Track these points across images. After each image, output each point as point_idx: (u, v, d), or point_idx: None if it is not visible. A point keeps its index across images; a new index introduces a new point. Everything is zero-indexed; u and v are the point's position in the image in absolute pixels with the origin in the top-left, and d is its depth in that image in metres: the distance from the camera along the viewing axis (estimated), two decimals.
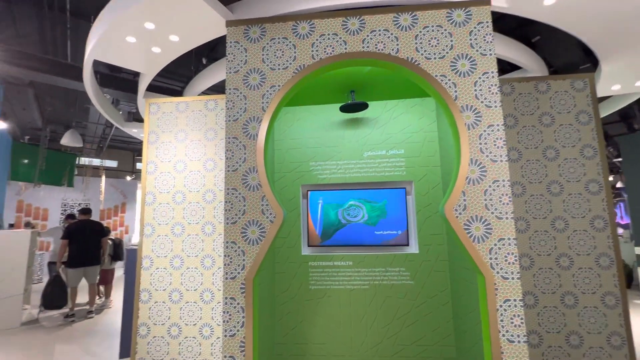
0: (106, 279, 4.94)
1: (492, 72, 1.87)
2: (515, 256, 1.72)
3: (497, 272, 1.71)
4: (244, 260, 1.85)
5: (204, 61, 3.95)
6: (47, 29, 3.68)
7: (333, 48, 1.96)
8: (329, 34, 1.98)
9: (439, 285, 2.56)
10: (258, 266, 1.83)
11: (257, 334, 1.86)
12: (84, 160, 8.81)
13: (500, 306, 1.68)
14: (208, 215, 3.07)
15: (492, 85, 1.85)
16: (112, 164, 9.87)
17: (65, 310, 4.52)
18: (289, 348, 2.59)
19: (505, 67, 4.18)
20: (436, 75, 1.88)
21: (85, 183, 8.31)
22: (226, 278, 1.85)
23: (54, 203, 8.21)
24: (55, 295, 4.41)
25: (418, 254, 2.61)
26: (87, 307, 4.56)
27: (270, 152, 2.25)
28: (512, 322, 1.67)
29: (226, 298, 1.83)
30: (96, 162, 9.01)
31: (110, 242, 4.92)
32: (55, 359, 3.20)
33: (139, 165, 10.34)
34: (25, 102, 5.44)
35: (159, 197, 3.17)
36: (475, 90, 1.85)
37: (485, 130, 1.82)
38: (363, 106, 2.58)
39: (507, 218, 1.75)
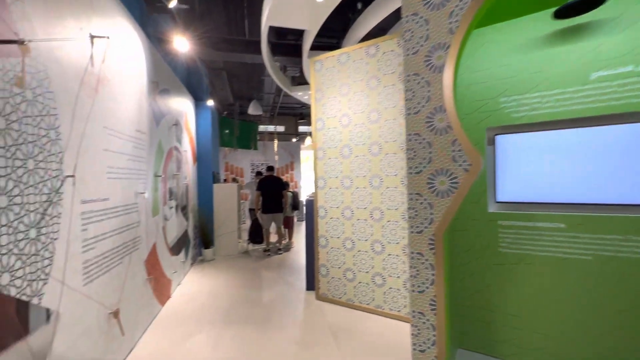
0: (288, 224, 5.93)
1: None
2: None
3: None
4: (431, 213, 1.64)
5: (359, 6, 3.73)
6: (231, 12, 4.30)
7: None
8: None
9: None
10: (449, 221, 1.59)
11: (448, 292, 1.67)
12: (261, 128, 10.63)
13: None
14: (374, 168, 3.01)
15: None
16: (281, 128, 11.52)
17: (263, 246, 5.74)
18: (473, 312, 2.31)
19: None
20: None
21: (264, 146, 10.10)
22: (411, 232, 1.70)
23: (246, 163, 10.44)
24: (256, 234, 5.65)
25: None
26: (277, 245, 5.63)
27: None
28: None
29: (412, 253, 1.70)
30: (270, 128, 10.74)
31: (290, 194, 5.81)
32: (263, 280, 4.11)
33: (301, 129, 11.66)
34: (222, 83, 6.81)
35: (328, 152, 3.32)
36: None
37: None
38: (595, 3, 1.75)
39: None
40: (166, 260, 3.44)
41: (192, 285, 3.96)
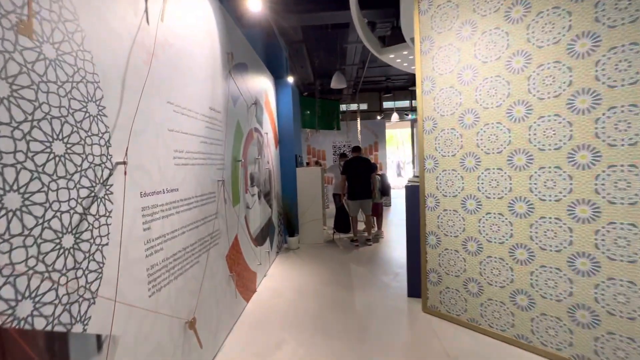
0: (377, 211, 5.25)
1: None
2: None
3: None
4: None
5: None
6: None
7: None
8: None
9: None
10: None
11: None
12: (343, 107, 10.00)
13: None
14: (518, 140, 2.06)
15: None
16: (363, 106, 10.70)
17: (350, 235, 5.21)
18: None
19: None
20: None
21: (346, 126, 9.47)
22: None
23: (328, 145, 10.03)
24: (342, 222, 5.14)
25: None
26: (366, 235, 5.02)
27: None
28: None
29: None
30: (353, 107, 10.04)
31: (378, 177, 5.09)
32: (353, 276, 3.56)
33: (385, 105, 10.64)
34: (301, 59, 6.35)
35: (440, 121, 2.48)
36: None
37: None
38: None
39: None
40: (250, 252, 3.15)
41: (278, 279, 3.66)
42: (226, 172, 2.58)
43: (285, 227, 5.01)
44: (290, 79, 4.95)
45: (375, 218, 5.28)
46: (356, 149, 5.01)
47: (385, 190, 5.27)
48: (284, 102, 5.17)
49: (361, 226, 5.60)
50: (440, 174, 2.50)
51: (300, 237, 5.11)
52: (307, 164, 7.26)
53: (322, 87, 8.15)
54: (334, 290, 3.26)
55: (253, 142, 3.51)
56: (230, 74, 2.80)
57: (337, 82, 5.23)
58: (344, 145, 10.14)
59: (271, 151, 4.51)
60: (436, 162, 2.51)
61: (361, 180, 4.78)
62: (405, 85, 10.01)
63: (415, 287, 2.90)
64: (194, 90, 2.04)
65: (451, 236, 2.46)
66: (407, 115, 9.57)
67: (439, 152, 2.49)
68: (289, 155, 5.18)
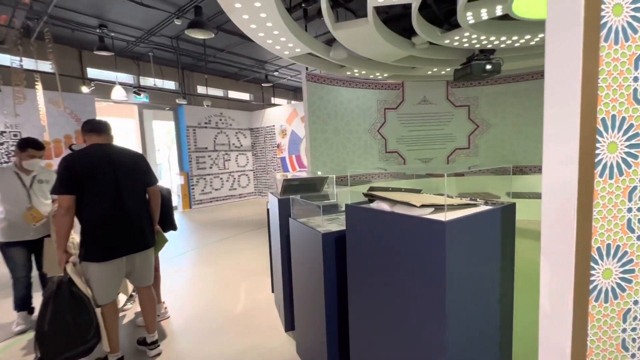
0: (156, 269, 2.40)
1: None
2: None
3: None
4: None
5: None
6: None
7: None
8: None
9: None
10: None
11: None
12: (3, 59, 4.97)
13: None
14: None
15: None
16: (45, 66, 6.01)
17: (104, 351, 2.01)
18: None
19: None
20: None
21: (12, 94, 4.68)
22: None
23: None
24: (64, 332, 1.81)
25: None
26: (143, 327, 2.10)
27: None
28: None
29: None
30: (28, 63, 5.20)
31: (161, 190, 2.25)
32: None
33: (90, 72, 6.56)
34: None
35: None
36: None
37: None
38: None
39: None
40: None
41: None
42: None
43: None
44: None
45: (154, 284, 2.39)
46: (98, 126, 1.93)
47: (171, 220, 2.51)
48: None
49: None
50: None
51: None
52: None
53: None
54: None
55: None
56: None
57: None
58: (3, 133, 5.25)
59: None
60: None
61: (125, 204, 1.85)
62: (128, 47, 6.54)
63: None
64: None
65: None
66: (139, 94, 6.30)
67: None
68: None
